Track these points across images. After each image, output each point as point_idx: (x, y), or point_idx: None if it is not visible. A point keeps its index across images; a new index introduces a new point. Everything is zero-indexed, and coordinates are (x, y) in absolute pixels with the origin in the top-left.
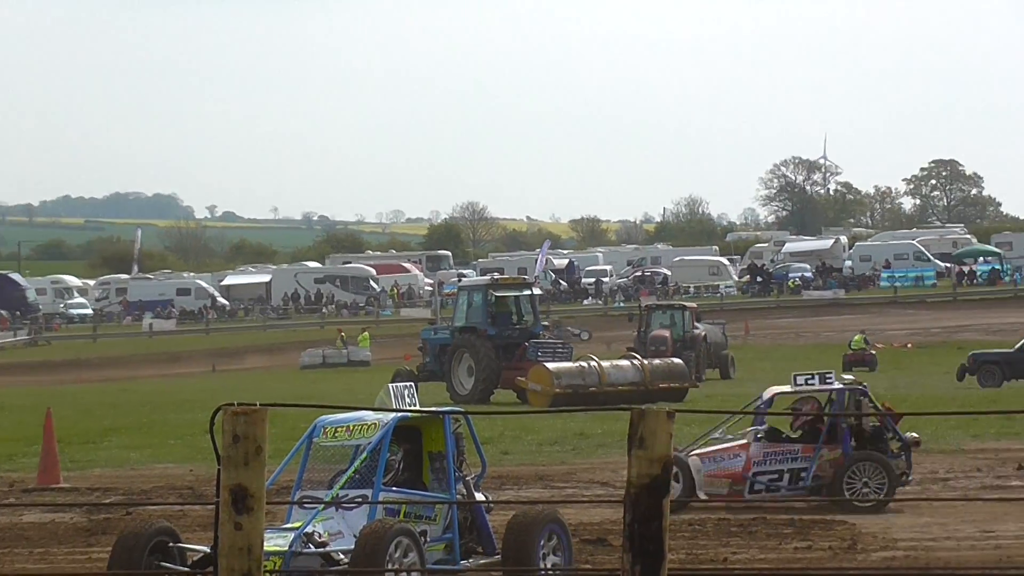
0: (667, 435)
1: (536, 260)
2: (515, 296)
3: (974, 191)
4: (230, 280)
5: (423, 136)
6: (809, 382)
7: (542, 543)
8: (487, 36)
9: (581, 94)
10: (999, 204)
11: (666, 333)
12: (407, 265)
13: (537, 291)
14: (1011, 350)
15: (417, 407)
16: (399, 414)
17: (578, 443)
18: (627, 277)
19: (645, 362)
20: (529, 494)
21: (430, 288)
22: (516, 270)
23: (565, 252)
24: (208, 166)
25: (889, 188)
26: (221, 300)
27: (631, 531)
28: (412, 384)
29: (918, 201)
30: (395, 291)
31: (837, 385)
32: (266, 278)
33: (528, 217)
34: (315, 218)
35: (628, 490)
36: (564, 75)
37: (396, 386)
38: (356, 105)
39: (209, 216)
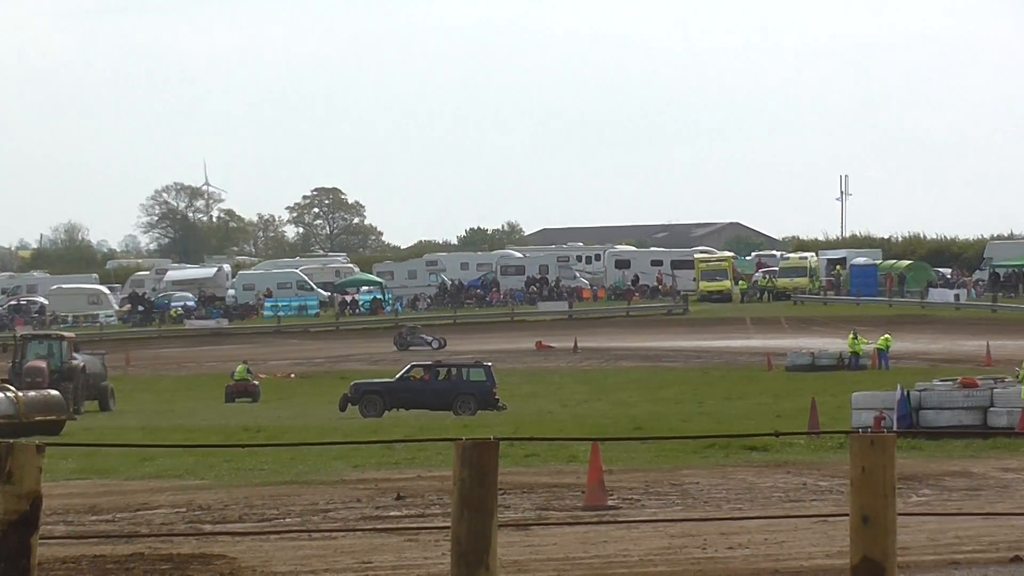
0: (36, 470)
1: None
2: None
3: (356, 220)
4: None
5: None
6: None
7: None
8: None
9: None
10: (381, 233)
11: (42, 364)
12: None
13: None
14: (392, 380)
15: None
16: None
17: None
18: (2, 306)
19: (20, 394)
20: None
21: None
22: None
23: None
24: None
25: (273, 216)
26: None
27: None
28: None
29: (301, 229)
30: None
31: None
32: None
33: None
34: None
35: None
36: None
37: None
38: None
39: None
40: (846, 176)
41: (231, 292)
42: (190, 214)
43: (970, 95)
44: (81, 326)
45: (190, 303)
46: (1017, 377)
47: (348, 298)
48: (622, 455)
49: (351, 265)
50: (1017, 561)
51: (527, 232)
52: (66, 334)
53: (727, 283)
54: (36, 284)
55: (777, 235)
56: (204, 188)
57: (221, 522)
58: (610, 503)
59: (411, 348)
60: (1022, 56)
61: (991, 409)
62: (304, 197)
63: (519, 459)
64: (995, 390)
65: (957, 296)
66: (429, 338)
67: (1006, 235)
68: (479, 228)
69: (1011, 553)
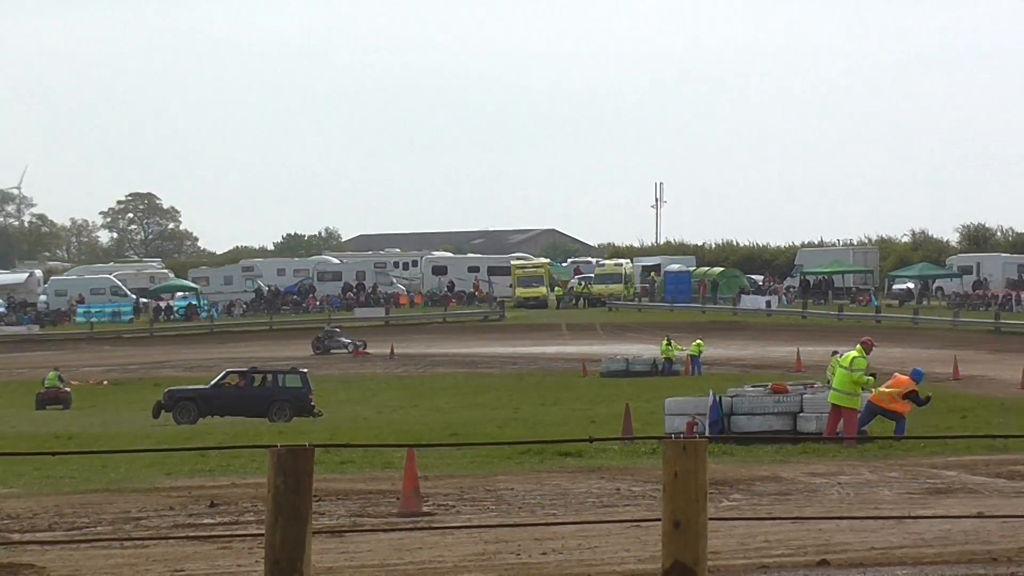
0: None
1: None
2: None
3: (172, 225)
4: None
5: None
6: None
7: None
8: None
9: None
10: (196, 239)
11: None
12: None
13: None
14: (207, 386)
15: None
16: None
17: None
18: None
19: None
20: None
21: None
22: None
23: None
24: None
25: (86, 221)
26: None
27: None
28: None
29: (115, 234)
30: None
31: None
32: None
33: None
34: None
35: None
36: None
37: None
38: None
39: None
40: (661, 184)
41: (43, 298)
42: (1, 219)
43: (781, 104)
44: None
45: (1, 309)
46: (826, 382)
47: (163, 304)
48: (437, 461)
49: (166, 271)
50: (824, 565)
51: (344, 238)
52: None
53: (543, 289)
54: None
55: (593, 242)
56: (15, 192)
57: (30, 531)
58: (425, 509)
59: (331, 352)
60: (834, 65)
61: (801, 414)
62: (118, 202)
63: (334, 466)
64: (805, 396)
65: (768, 303)
66: (347, 341)
67: (816, 243)
68: (296, 234)
69: (819, 556)
